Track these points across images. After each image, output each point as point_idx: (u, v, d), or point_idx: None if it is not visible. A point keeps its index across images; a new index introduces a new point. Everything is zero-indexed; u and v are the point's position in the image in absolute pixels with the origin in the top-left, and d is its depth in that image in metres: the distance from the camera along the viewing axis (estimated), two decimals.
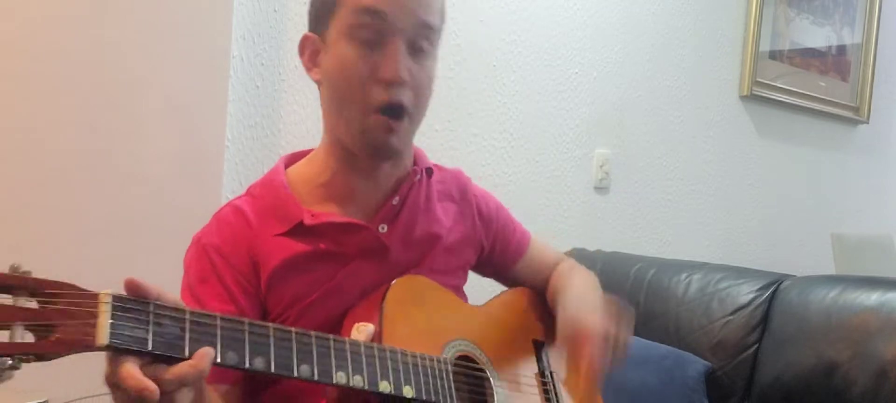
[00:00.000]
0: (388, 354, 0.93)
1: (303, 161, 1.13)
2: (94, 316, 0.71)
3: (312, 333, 0.86)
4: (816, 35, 3.06)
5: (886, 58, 3.30)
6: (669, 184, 2.64)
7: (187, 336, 0.76)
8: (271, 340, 0.82)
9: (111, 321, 0.71)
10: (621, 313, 1.13)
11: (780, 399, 1.65)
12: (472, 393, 1.06)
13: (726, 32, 2.75)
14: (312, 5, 1.07)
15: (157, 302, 0.76)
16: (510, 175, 2.21)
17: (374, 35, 0.98)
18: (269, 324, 0.84)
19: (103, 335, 0.71)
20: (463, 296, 1.19)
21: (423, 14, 1.00)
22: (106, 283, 0.74)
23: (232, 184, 1.68)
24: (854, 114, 3.23)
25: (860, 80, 3.22)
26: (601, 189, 2.44)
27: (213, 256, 1.02)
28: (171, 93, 1.60)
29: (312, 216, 1.03)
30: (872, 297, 1.58)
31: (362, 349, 0.90)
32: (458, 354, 1.06)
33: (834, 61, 3.15)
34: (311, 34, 1.06)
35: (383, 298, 1.00)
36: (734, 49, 2.77)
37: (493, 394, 1.06)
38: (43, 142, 1.53)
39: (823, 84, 3.09)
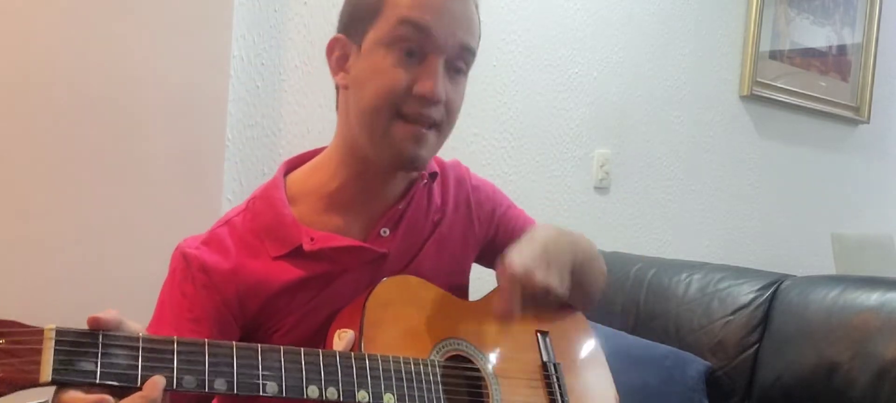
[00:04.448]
0: (366, 362, 0.89)
1: (307, 167, 1.10)
2: (38, 352, 0.69)
3: (281, 348, 0.83)
4: (817, 35, 3.06)
5: (886, 58, 3.30)
6: (669, 184, 2.63)
7: (140, 364, 0.74)
8: (234, 359, 0.80)
9: (55, 356, 0.70)
10: (559, 255, 1.04)
11: (780, 399, 1.65)
12: (469, 396, 1.03)
13: (726, 32, 2.74)
14: (347, 7, 1.04)
15: (107, 332, 0.74)
16: (510, 175, 2.20)
17: (415, 48, 0.97)
18: (232, 343, 0.81)
19: (47, 371, 0.69)
20: (464, 294, 1.17)
21: (465, 36, 1.00)
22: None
23: (232, 184, 1.68)
24: (854, 114, 3.23)
25: (860, 80, 3.22)
26: (601, 189, 2.44)
27: (196, 273, 0.98)
28: (171, 93, 1.60)
29: (311, 239, 1.01)
30: (872, 297, 1.58)
31: (337, 359, 0.87)
32: (451, 354, 1.02)
33: (834, 61, 3.14)
34: (342, 37, 1.03)
35: (365, 301, 0.97)
36: (734, 49, 2.77)
37: (490, 396, 1.02)
38: (43, 142, 1.53)
39: (824, 84, 3.09)
